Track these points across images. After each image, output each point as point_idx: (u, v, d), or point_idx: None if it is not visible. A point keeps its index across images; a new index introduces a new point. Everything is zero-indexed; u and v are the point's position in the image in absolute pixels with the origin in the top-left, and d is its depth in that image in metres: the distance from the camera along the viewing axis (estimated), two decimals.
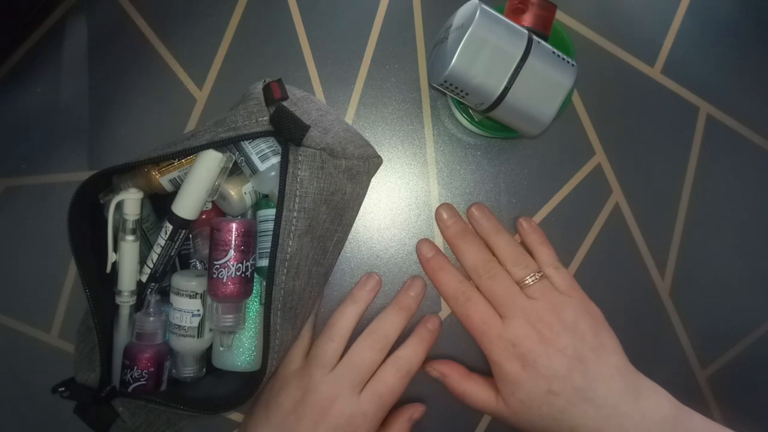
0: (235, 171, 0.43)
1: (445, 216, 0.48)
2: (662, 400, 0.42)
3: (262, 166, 0.40)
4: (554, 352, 0.42)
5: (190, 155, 0.41)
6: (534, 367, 0.41)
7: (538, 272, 0.45)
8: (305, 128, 0.37)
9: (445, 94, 0.49)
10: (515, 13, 0.40)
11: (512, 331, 0.43)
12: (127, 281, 0.41)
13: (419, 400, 0.47)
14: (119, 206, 0.40)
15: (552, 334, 0.42)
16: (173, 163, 0.42)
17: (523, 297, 0.44)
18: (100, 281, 0.41)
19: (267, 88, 0.40)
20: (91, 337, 0.40)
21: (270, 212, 0.42)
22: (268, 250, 0.39)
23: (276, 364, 0.40)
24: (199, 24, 0.50)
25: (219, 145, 0.39)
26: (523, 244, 0.48)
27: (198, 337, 0.42)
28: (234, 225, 0.40)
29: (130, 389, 0.40)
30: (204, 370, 0.44)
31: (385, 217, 0.49)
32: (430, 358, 0.47)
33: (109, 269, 0.41)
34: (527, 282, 0.44)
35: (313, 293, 0.43)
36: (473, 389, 0.45)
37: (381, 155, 0.48)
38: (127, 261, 0.41)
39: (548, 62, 0.39)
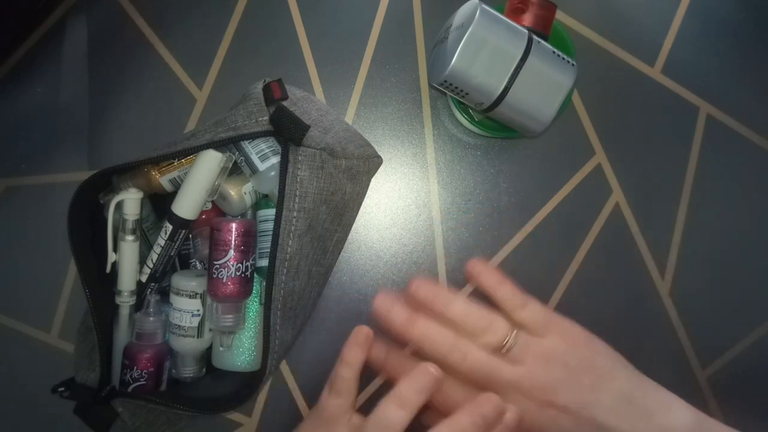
0: (235, 171, 0.43)
1: (382, 308, 0.40)
2: (678, 413, 0.39)
3: (261, 166, 0.40)
4: (556, 414, 0.38)
5: (190, 155, 0.41)
6: None
7: (512, 330, 0.40)
8: (305, 128, 0.37)
9: (445, 94, 0.49)
10: (515, 13, 0.40)
11: (513, 409, 0.38)
12: (126, 281, 0.41)
13: None
14: (119, 206, 0.40)
15: (551, 397, 0.38)
16: (173, 163, 0.42)
17: (506, 369, 0.39)
18: (100, 281, 0.41)
19: (267, 88, 0.40)
20: (91, 337, 0.39)
21: (270, 212, 0.42)
22: (268, 250, 0.39)
23: (276, 363, 0.40)
24: (199, 24, 0.50)
25: (219, 145, 0.39)
26: (481, 289, 0.43)
27: (198, 337, 0.42)
28: (234, 225, 0.40)
29: (129, 389, 0.40)
30: (204, 370, 0.44)
31: (385, 217, 0.49)
32: None
33: (108, 269, 0.41)
34: (506, 345, 0.39)
35: (313, 293, 0.43)
36: None
37: (381, 155, 0.48)
38: (127, 261, 0.41)
39: (548, 62, 0.39)
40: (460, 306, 0.40)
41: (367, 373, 0.40)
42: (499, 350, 0.39)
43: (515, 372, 0.39)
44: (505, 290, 0.41)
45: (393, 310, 0.40)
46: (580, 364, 0.40)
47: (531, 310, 0.41)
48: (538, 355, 0.39)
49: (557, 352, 0.40)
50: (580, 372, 0.39)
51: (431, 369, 0.37)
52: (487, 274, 0.42)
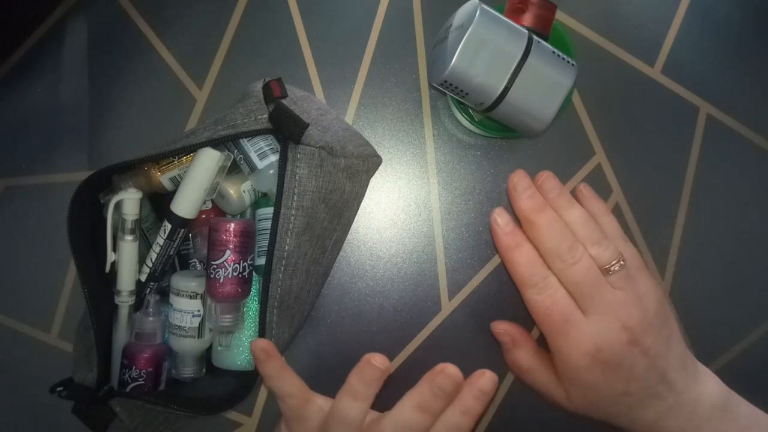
0: (233, 169, 0.43)
1: (520, 186, 0.42)
2: (713, 385, 0.41)
3: (260, 164, 0.40)
4: (638, 353, 0.39)
5: (189, 153, 0.41)
6: (616, 371, 0.39)
7: (621, 257, 0.41)
8: (304, 126, 0.37)
9: (445, 94, 0.49)
10: (515, 13, 0.40)
11: (599, 334, 0.39)
12: (126, 281, 0.41)
13: None
14: (118, 206, 0.40)
15: (640, 333, 0.39)
16: (173, 161, 0.42)
17: (608, 288, 0.40)
18: (100, 281, 0.41)
19: (266, 87, 0.40)
20: (90, 336, 0.39)
21: (269, 210, 0.42)
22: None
23: None
24: (199, 24, 0.50)
25: (218, 143, 0.39)
26: (589, 210, 0.44)
27: (198, 338, 0.42)
28: (231, 225, 0.40)
29: (128, 389, 0.40)
30: (204, 370, 0.44)
31: (385, 217, 0.49)
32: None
33: (108, 269, 0.41)
34: (611, 269, 0.40)
35: (311, 293, 0.43)
36: (540, 371, 0.42)
37: (381, 155, 0.48)
38: (126, 261, 0.41)
39: (548, 62, 0.39)
40: (582, 212, 0.42)
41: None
42: (603, 269, 0.40)
43: (616, 295, 0.40)
44: (612, 221, 0.44)
45: (528, 191, 0.42)
46: (663, 317, 0.41)
47: (630, 249, 0.43)
48: (634, 291, 0.40)
49: (649, 296, 0.41)
50: (662, 324, 0.41)
51: (375, 362, 0.36)
52: (597, 201, 0.45)
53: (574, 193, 0.45)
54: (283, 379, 0.38)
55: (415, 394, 0.37)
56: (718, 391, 0.41)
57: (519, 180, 0.43)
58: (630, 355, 0.39)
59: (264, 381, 0.39)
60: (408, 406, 0.36)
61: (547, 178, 0.43)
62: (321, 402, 0.39)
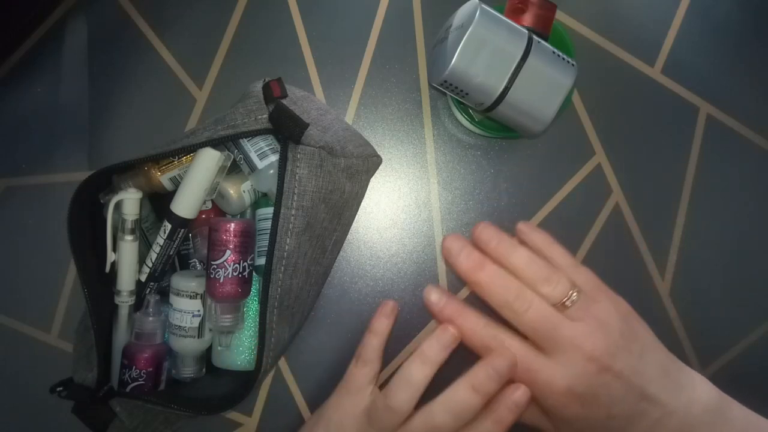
0: (234, 169, 0.43)
1: (454, 249, 0.41)
2: (702, 390, 0.40)
3: (260, 164, 0.40)
4: (611, 379, 0.38)
5: (189, 153, 0.41)
6: (594, 401, 0.38)
7: (575, 287, 0.40)
8: (304, 126, 0.37)
9: (445, 94, 0.49)
10: (515, 13, 0.40)
11: (567, 372, 0.38)
12: (126, 281, 0.41)
13: None
14: (118, 206, 0.40)
15: (608, 359, 0.38)
16: (173, 161, 0.42)
17: (566, 324, 0.39)
18: (100, 281, 0.41)
19: (266, 87, 0.40)
20: (90, 336, 0.39)
21: (269, 210, 0.42)
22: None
23: (272, 362, 0.40)
24: (199, 24, 0.50)
25: (218, 143, 0.39)
26: (533, 248, 0.43)
27: (198, 338, 0.42)
28: (231, 225, 0.40)
29: (128, 389, 0.40)
30: (204, 370, 0.44)
31: (385, 217, 0.49)
32: None
33: (108, 269, 0.41)
34: (567, 303, 0.39)
35: (311, 293, 0.43)
36: (528, 409, 0.41)
37: (381, 155, 0.48)
38: (126, 261, 0.41)
39: (548, 62, 0.39)
40: (525, 254, 0.41)
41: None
42: (559, 305, 0.39)
43: (576, 329, 0.39)
44: (558, 250, 0.42)
45: (464, 252, 0.41)
46: (629, 332, 0.40)
47: (583, 274, 0.41)
48: (594, 317, 0.39)
49: (611, 317, 0.40)
50: (630, 339, 0.40)
51: (451, 329, 0.40)
52: (538, 233, 0.43)
53: (515, 235, 0.44)
54: (381, 345, 0.42)
55: (469, 376, 0.38)
56: (709, 395, 0.40)
57: (452, 243, 0.41)
58: (603, 383, 0.38)
59: (367, 333, 0.43)
60: (461, 387, 0.38)
61: (482, 229, 0.41)
62: (378, 391, 0.41)
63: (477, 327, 0.40)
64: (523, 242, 0.43)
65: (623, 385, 0.39)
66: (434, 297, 0.41)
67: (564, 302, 0.39)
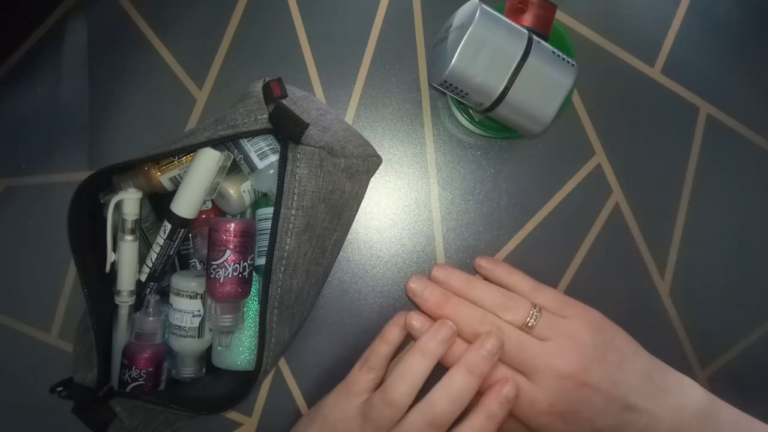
0: (234, 169, 0.43)
1: (418, 289, 0.44)
2: (690, 394, 0.40)
3: (260, 164, 0.40)
4: (590, 392, 0.39)
5: (188, 153, 0.41)
6: (576, 416, 0.39)
7: (535, 308, 0.41)
8: (304, 126, 0.37)
9: (445, 94, 0.49)
10: (515, 13, 0.40)
11: (544, 392, 0.39)
12: (126, 281, 0.41)
13: None
14: (118, 206, 0.40)
15: (583, 374, 0.39)
16: (173, 161, 0.42)
17: (535, 344, 0.40)
18: (100, 281, 0.41)
19: (266, 87, 0.40)
20: (90, 336, 0.39)
21: (269, 211, 0.42)
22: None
23: (272, 362, 0.40)
24: (199, 24, 0.50)
25: (218, 143, 0.39)
26: (495, 282, 0.45)
27: (199, 338, 0.42)
28: (231, 225, 0.40)
29: (128, 389, 0.40)
30: (204, 370, 0.44)
31: (385, 217, 0.49)
32: None
33: (108, 269, 0.41)
34: (530, 324, 0.41)
35: (311, 293, 0.43)
36: (518, 428, 0.42)
37: (381, 155, 0.48)
38: (126, 261, 0.41)
39: (548, 62, 0.39)
40: (482, 286, 0.43)
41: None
42: (524, 327, 0.41)
43: (545, 348, 0.40)
44: (516, 277, 0.44)
45: (426, 291, 0.43)
46: (604, 344, 0.40)
47: (546, 294, 0.43)
48: (563, 334, 0.40)
49: (582, 331, 0.40)
50: (605, 351, 0.40)
51: (449, 323, 0.41)
52: (496, 265, 0.45)
53: (476, 270, 0.47)
54: (389, 354, 0.43)
55: (463, 361, 0.39)
56: (698, 399, 0.40)
57: (415, 284, 0.44)
58: (582, 398, 0.39)
59: (378, 339, 0.44)
60: (457, 372, 0.39)
61: (437, 270, 0.44)
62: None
63: (450, 360, 0.41)
64: (485, 276, 0.46)
65: (603, 397, 0.39)
66: (417, 324, 0.42)
67: (527, 323, 0.41)
